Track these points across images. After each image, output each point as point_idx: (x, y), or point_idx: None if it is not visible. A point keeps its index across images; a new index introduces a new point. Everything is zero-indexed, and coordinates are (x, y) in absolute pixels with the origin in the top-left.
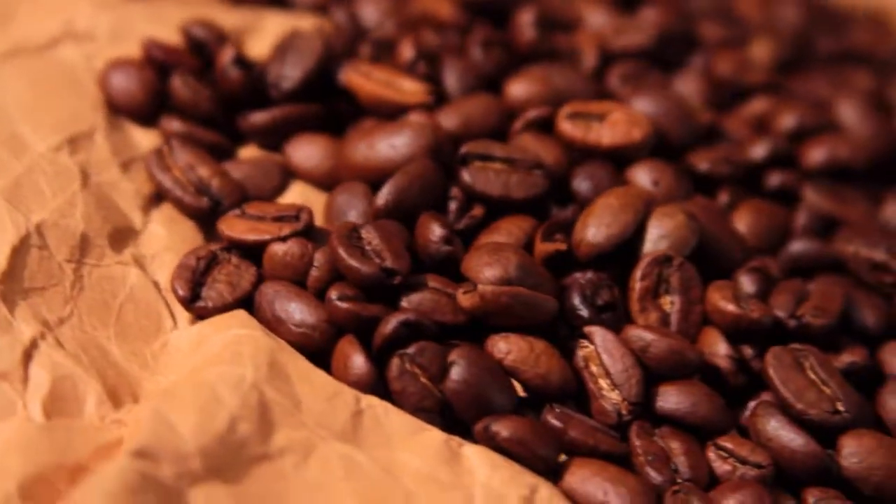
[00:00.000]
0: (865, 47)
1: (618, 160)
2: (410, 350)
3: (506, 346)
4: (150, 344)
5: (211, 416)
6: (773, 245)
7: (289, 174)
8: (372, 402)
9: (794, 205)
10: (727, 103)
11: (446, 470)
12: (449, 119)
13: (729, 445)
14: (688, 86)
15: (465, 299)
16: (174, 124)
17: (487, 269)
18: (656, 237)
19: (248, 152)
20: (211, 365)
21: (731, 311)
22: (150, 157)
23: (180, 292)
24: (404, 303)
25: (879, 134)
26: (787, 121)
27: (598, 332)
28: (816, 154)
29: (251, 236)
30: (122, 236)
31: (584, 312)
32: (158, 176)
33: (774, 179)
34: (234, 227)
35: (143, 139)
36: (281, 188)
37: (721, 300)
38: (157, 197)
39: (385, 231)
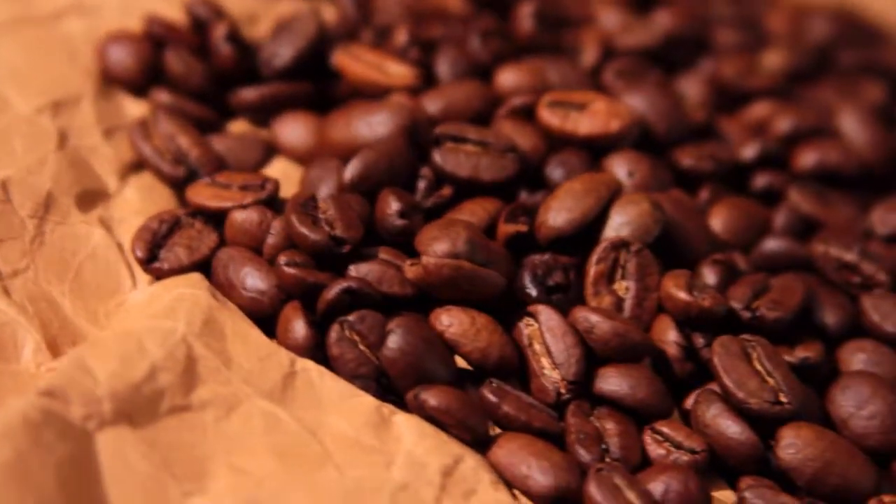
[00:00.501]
0: (890, 63)
1: (595, 150)
2: (351, 317)
3: (447, 319)
4: (106, 302)
5: (131, 364)
6: (749, 243)
7: (272, 150)
8: (307, 365)
9: (777, 205)
10: (730, 106)
11: (372, 435)
12: (432, 102)
13: (665, 430)
14: (690, 86)
15: (410, 271)
16: (162, 96)
17: (436, 243)
18: (618, 224)
19: (238, 127)
20: (145, 319)
21: (682, 298)
22: (134, 126)
23: (138, 253)
24: (352, 272)
25: (876, 143)
26: (783, 124)
27: (543, 311)
28: (807, 158)
29: (214, 203)
30: (90, 198)
31: (533, 292)
32: (139, 144)
33: (761, 180)
34: (200, 193)
35: (134, 109)
36: (262, 163)
37: (673, 287)
38: (139, 165)
39: (342, 202)
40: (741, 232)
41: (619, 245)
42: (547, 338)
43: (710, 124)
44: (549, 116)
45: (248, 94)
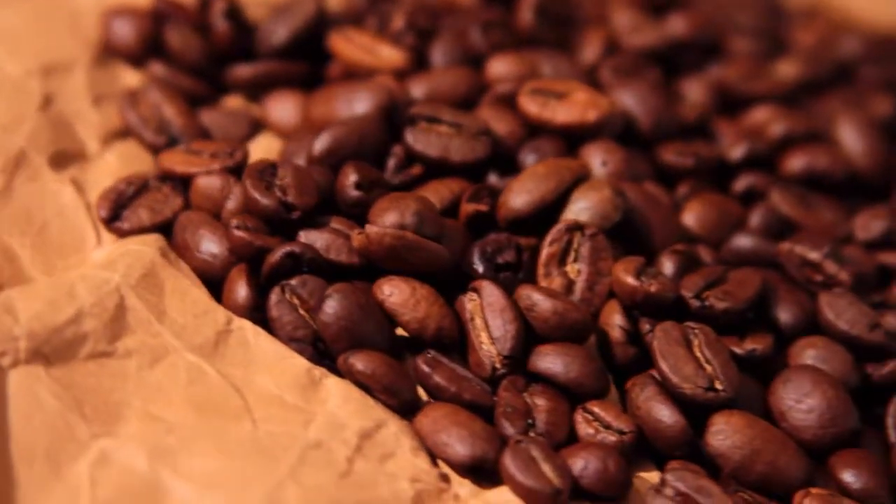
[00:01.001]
0: None
1: (573, 139)
2: (293, 281)
3: (388, 289)
4: (67, 259)
5: (57, 307)
6: (721, 239)
7: (258, 125)
8: (244, 325)
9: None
10: (732, 110)
11: (298, 395)
12: (418, 86)
13: (596, 409)
14: (692, 88)
15: (356, 240)
16: (157, 68)
17: (385, 214)
18: (579, 209)
19: (233, 103)
20: (85, 269)
21: (629, 282)
22: (124, 94)
23: (101, 212)
24: (301, 238)
25: (872, 153)
26: (777, 128)
27: (485, 287)
28: (795, 162)
29: (181, 168)
30: (66, 159)
31: (479, 268)
32: (125, 111)
33: (744, 181)
34: (170, 158)
35: (131, 80)
36: (248, 137)
37: (622, 272)
38: (126, 133)
39: (299, 170)
40: (714, 228)
41: (574, 228)
42: (487, 313)
43: (706, 125)
44: (528, 103)
45: (243, 70)
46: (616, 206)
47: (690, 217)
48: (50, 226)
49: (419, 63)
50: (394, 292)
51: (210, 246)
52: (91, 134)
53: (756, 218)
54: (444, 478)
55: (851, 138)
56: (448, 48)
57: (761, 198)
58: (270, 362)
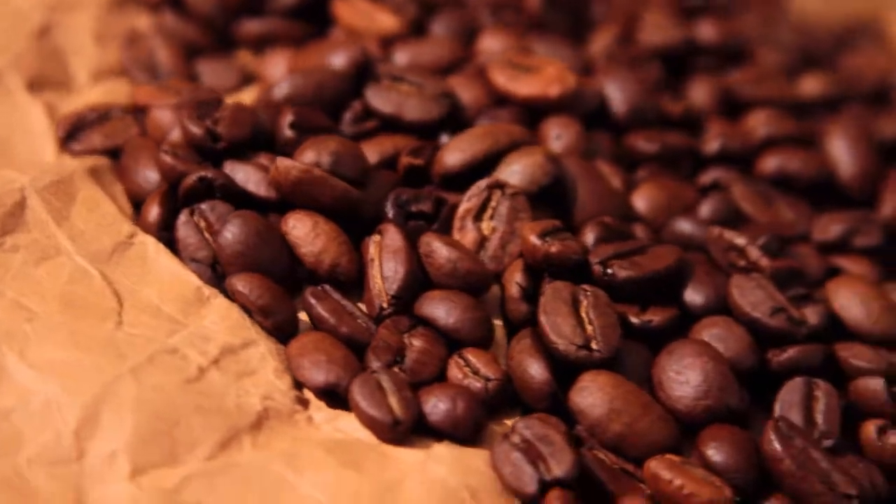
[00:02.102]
0: None
1: (536, 112)
2: (203, 205)
3: (293, 222)
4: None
5: None
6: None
7: (250, 78)
8: (147, 240)
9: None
10: (736, 112)
11: (178, 309)
12: (402, 51)
13: (470, 356)
14: (697, 87)
15: (271, 173)
16: (168, 15)
17: (305, 152)
18: (509, 171)
19: (242, 58)
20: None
21: (531, 241)
22: (126, 35)
23: (59, 132)
24: (225, 168)
25: (857, 165)
26: (761, 130)
27: (389, 230)
28: (769, 162)
29: (143, 99)
30: (45, 84)
31: (390, 212)
32: (123, 50)
33: (710, 174)
34: (140, 91)
35: (142, 24)
36: (236, 88)
37: (528, 230)
38: (122, 73)
39: (239, 107)
40: (661, 211)
41: (495, 186)
42: (383, 254)
43: (697, 122)
44: (497, 74)
45: (250, 26)
46: (546, 171)
47: (640, 198)
48: (12, 140)
49: (417, 33)
50: (297, 225)
51: (145, 171)
52: (83, 67)
53: (706, 207)
54: (302, 401)
55: (838, 147)
56: (448, 22)
57: (724, 191)
58: (163, 277)
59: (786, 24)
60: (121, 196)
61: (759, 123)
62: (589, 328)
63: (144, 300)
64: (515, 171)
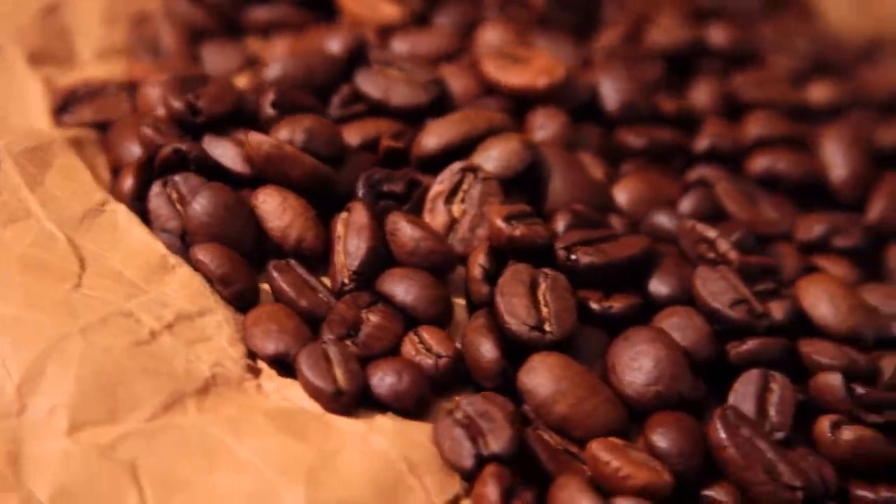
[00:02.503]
0: None
1: (524, 103)
2: (177, 177)
3: (263, 196)
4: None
5: None
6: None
7: (253, 62)
8: (119, 209)
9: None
10: (738, 114)
11: (140, 275)
12: (401, 40)
13: (424, 333)
14: (699, 88)
15: (245, 147)
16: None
17: (281, 129)
18: (485, 156)
19: (252, 45)
20: None
21: (496, 224)
22: (135, 15)
23: (53, 103)
24: (204, 142)
25: (849, 170)
26: (754, 130)
27: (356, 207)
28: (758, 163)
29: (137, 75)
30: (46, 59)
31: (360, 191)
32: (129, 31)
33: (697, 171)
34: (135, 66)
35: (151, 7)
36: (237, 71)
37: (494, 213)
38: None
39: (223, 83)
40: (641, 205)
41: (468, 169)
42: (349, 230)
43: (688, 119)
44: (488, 64)
45: (259, 13)
46: (522, 158)
47: (621, 191)
48: (6, 108)
49: (420, 24)
50: (266, 200)
51: (129, 145)
52: (88, 47)
53: (687, 202)
54: (254, 370)
55: (832, 151)
56: (452, 14)
57: (707, 188)
58: (131, 245)
59: (806, 33)
60: (102, 167)
61: (753, 124)
62: (544, 310)
63: (108, 265)
64: (491, 157)
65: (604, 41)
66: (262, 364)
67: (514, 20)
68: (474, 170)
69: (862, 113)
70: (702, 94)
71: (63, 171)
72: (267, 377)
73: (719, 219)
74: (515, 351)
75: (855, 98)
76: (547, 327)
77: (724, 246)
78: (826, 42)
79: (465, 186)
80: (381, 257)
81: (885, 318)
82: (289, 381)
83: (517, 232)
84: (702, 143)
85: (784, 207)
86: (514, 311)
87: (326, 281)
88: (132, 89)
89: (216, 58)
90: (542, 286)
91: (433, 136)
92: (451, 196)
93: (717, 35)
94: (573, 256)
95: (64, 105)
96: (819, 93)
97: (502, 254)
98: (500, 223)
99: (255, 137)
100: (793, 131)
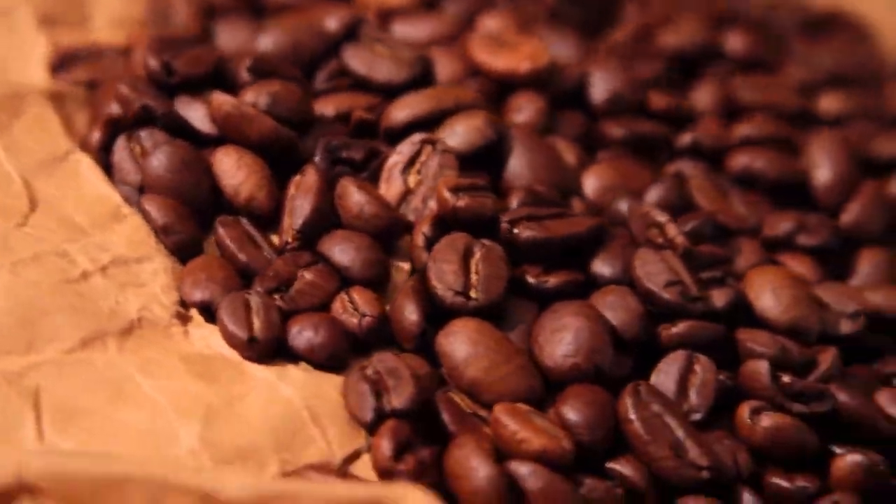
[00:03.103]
0: None
1: (508, 87)
2: (142, 133)
3: (220, 155)
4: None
5: None
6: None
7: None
8: (83, 158)
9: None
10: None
11: (90, 221)
12: (400, 24)
13: (354, 294)
14: (701, 88)
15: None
16: None
17: (247, 92)
18: (450, 131)
19: None
20: None
21: (442, 194)
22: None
23: (51, 60)
24: (176, 102)
25: (831, 168)
26: (742, 130)
27: (308, 169)
28: (737, 160)
29: (132, 40)
30: (55, 20)
31: (317, 156)
32: (146, 6)
33: (675, 166)
34: (136, 34)
35: None
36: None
37: (441, 184)
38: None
39: (206, 48)
40: (609, 192)
41: (427, 141)
42: (298, 191)
43: (681, 116)
44: (476, 47)
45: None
46: (484, 135)
47: (589, 176)
48: (5, 62)
49: (428, 9)
50: (223, 159)
51: (112, 103)
52: (102, 15)
53: (655, 191)
54: (183, 317)
55: (817, 154)
56: (461, 2)
57: (679, 180)
58: (87, 193)
59: (854, 52)
60: (82, 123)
61: (744, 125)
62: (473, 278)
63: (59, 210)
64: (456, 132)
65: (610, 39)
66: (194, 313)
67: (523, 13)
68: (433, 142)
69: (865, 124)
70: (704, 95)
71: (34, 121)
72: (196, 325)
73: (687, 211)
74: (442, 316)
75: (866, 111)
76: (472, 294)
77: (672, 231)
78: (863, 59)
79: (422, 158)
80: (326, 219)
81: (834, 315)
82: (216, 328)
83: (461, 203)
84: (685, 138)
85: (759, 206)
86: (443, 276)
87: (274, 238)
88: (129, 53)
89: (228, 34)
90: (477, 255)
91: (401, 110)
92: (407, 166)
93: (735, 41)
94: (516, 230)
95: (61, 63)
96: (829, 103)
97: (449, 224)
98: (446, 193)
99: (218, 98)
100: (781, 133)
